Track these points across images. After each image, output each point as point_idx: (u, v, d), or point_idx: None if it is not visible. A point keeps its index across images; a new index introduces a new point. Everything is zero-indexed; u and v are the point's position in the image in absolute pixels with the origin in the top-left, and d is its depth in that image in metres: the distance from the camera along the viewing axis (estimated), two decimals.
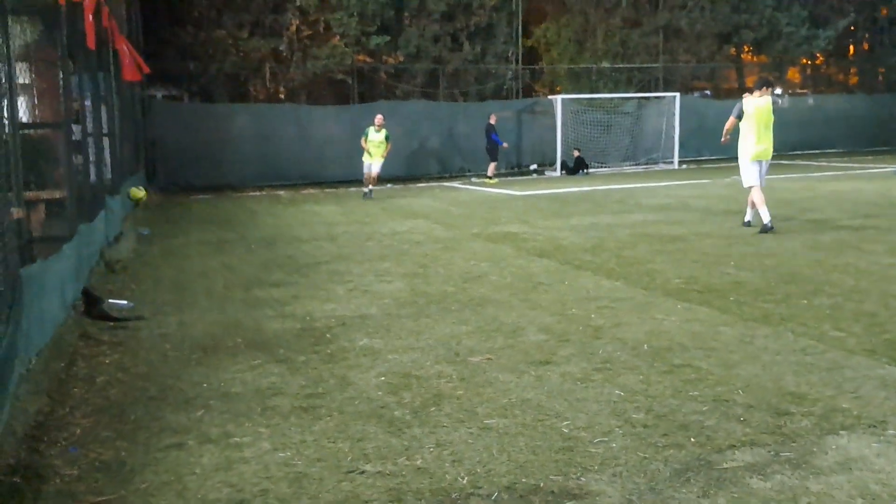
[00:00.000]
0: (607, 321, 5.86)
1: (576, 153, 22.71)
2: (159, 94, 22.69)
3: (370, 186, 17.04)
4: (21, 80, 5.96)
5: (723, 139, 11.04)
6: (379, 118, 16.79)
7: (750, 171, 10.39)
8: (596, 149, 23.90)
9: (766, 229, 9.90)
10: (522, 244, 9.74)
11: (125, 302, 6.67)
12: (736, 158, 10.84)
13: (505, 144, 20.81)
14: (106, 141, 10.38)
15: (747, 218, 10.74)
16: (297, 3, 21.69)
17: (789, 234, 9.77)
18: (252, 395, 4.41)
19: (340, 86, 23.30)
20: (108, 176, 10.29)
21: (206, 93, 22.49)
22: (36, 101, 7.28)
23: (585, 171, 22.42)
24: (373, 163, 16.78)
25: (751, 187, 10.40)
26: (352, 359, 5.10)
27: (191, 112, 21.18)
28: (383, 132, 16.72)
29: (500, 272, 7.96)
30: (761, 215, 10.09)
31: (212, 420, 4.04)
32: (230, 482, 3.32)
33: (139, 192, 12.02)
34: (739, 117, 10.41)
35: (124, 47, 12.00)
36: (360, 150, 17.24)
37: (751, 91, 10.72)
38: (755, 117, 10.19)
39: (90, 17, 7.52)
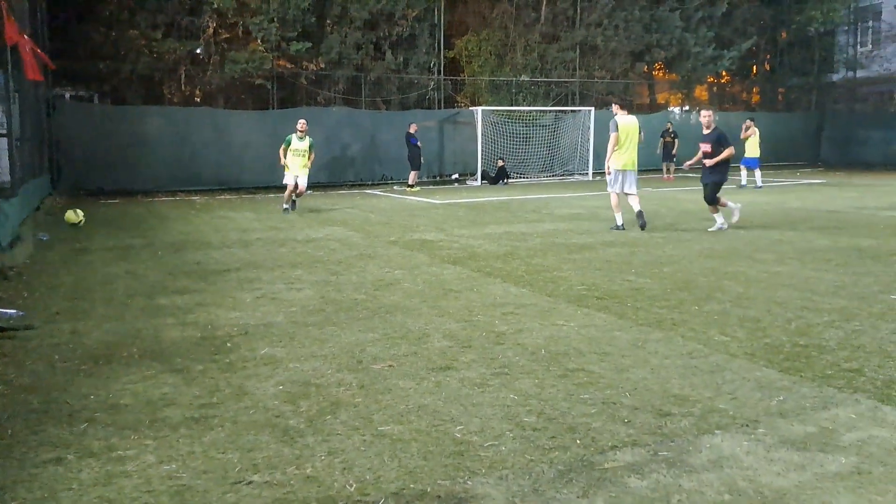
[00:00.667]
0: (510, 327, 5.95)
1: (500, 163, 23.04)
2: (67, 95, 21.91)
3: (292, 199, 15.32)
4: None
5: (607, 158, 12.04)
6: (302, 123, 15.01)
7: (613, 178, 11.83)
8: (515, 160, 24.28)
9: (617, 228, 11.65)
10: (437, 252, 9.79)
11: (14, 311, 6.37)
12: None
13: (418, 143, 20.75)
14: (3, 142, 9.97)
15: (619, 223, 11.85)
16: (215, 6, 21.32)
17: (688, 243, 10.14)
18: (142, 407, 4.29)
19: (260, 91, 22.99)
20: (5, 178, 9.88)
21: (118, 94, 21.84)
22: None
23: (505, 181, 22.74)
24: (298, 175, 14.93)
25: (611, 192, 11.94)
26: (251, 368, 5.02)
27: (101, 113, 20.53)
28: (308, 140, 14.97)
29: (413, 279, 7.99)
30: (615, 218, 11.80)
31: (95, 433, 3.91)
32: (108, 497, 3.22)
33: (75, 216, 10.81)
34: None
35: (25, 44, 11.54)
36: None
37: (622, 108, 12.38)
38: (621, 133, 11.75)
39: None
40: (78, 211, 10.27)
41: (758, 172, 20.14)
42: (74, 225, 9.97)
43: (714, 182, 11.55)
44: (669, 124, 24.19)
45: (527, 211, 14.84)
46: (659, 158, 23.81)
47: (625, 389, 4.46)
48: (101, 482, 3.36)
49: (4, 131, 10.04)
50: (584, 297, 7.00)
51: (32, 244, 10.29)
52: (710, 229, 11.47)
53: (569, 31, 27.18)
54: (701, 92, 32.29)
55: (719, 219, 11.56)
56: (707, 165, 11.51)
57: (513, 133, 24.42)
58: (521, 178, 24.01)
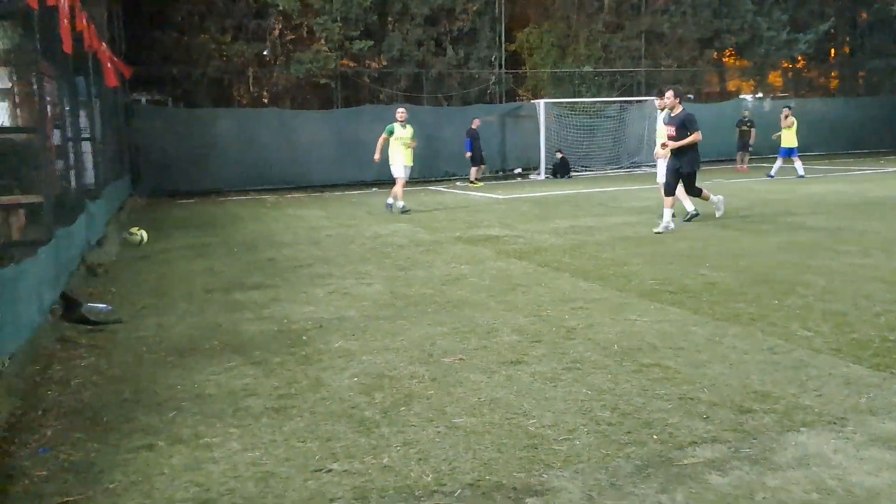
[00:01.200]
0: (581, 322, 5.93)
1: (559, 155, 22.86)
2: (143, 99, 22.66)
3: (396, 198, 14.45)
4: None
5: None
6: (402, 112, 14.21)
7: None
8: (579, 152, 24.03)
9: (695, 215, 11.53)
10: (503, 247, 9.80)
11: (104, 305, 6.68)
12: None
13: (468, 154, 20.88)
14: (87, 145, 10.39)
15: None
16: (280, 8, 21.72)
17: (766, 236, 9.89)
18: (225, 397, 4.45)
19: (324, 90, 23.35)
20: (90, 180, 10.29)
21: (190, 97, 22.48)
22: (16, 106, 7.31)
23: (567, 175, 22.56)
24: (408, 166, 14.32)
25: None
26: (326, 360, 5.14)
27: (174, 116, 21.17)
28: (409, 127, 14.18)
29: (480, 274, 8.02)
30: (686, 206, 11.66)
31: (183, 421, 4.07)
32: (197, 482, 3.36)
33: (136, 236, 9.84)
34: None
35: (104, 52, 11.99)
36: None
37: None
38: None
39: (65, 21, 7.53)
40: (140, 229, 10.03)
41: (798, 161, 19.52)
42: (139, 243, 9.75)
43: (687, 173, 10.90)
44: (746, 112, 23.38)
45: (593, 204, 14.71)
46: (733, 148, 23.19)
47: (702, 385, 4.40)
48: (190, 467, 3.51)
49: (88, 135, 10.47)
50: (657, 291, 6.91)
51: (118, 243, 10.71)
52: (655, 230, 10.49)
53: (634, 18, 26.74)
54: (775, 78, 31.36)
55: (667, 216, 10.65)
56: (666, 148, 10.85)
57: (576, 125, 24.19)
58: (585, 171, 23.76)
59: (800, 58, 30.56)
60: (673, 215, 10.79)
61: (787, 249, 8.85)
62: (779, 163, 19.77)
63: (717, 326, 5.67)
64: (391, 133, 14.01)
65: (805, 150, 27.57)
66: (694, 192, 11.22)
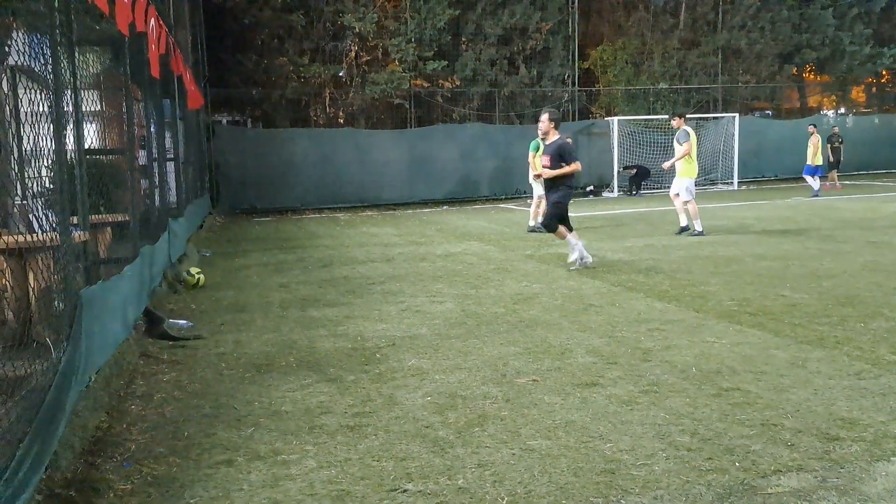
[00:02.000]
0: (657, 344, 5.82)
1: (629, 171, 22.59)
2: (224, 120, 23.40)
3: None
4: (89, 108, 6.26)
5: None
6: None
7: (691, 186, 12.42)
8: (653, 170, 23.66)
9: (699, 234, 12.18)
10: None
11: (185, 322, 6.89)
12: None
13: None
14: (170, 165, 10.77)
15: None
16: (357, 30, 22.16)
17: (849, 256, 9.53)
18: (301, 414, 4.52)
19: (398, 110, 23.66)
20: (173, 199, 10.66)
21: (269, 118, 23.10)
22: (104, 128, 7.64)
23: (635, 191, 22.27)
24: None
25: (691, 201, 12.39)
26: (400, 379, 5.18)
27: (253, 137, 21.78)
28: None
29: (552, 293, 7.96)
30: (695, 225, 12.30)
31: (261, 438, 4.15)
32: (275, 499, 3.42)
33: (193, 278, 8.93)
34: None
35: (188, 76, 12.45)
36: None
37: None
38: (693, 143, 12.42)
39: (153, 46, 7.85)
40: (198, 271, 9.24)
41: (816, 180, 19.20)
42: (195, 286, 8.89)
43: (554, 202, 9.51)
44: (836, 129, 22.41)
45: (668, 223, 14.43)
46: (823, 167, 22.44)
47: (786, 411, 4.25)
48: (268, 484, 3.57)
49: (172, 156, 10.86)
50: (735, 312, 6.73)
51: (198, 260, 11.05)
52: (571, 268, 9.44)
53: (710, 35, 26.27)
54: (858, 93, 30.33)
55: (575, 248, 9.54)
56: (540, 178, 9.77)
57: (650, 142, 23.84)
58: (660, 189, 23.37)
59: (884, 72, 29.48)
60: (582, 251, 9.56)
61: (873, 270, 8.50)
62: (815, 181, 19.36)
63: (800, 350, 5.48)
64: (537, 149, 13.17)
65: (889, 167, 26.59)
66: (552, 227, 9.51)
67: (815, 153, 19.14)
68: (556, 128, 9.92)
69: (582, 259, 9.48)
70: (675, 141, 12.60)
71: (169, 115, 10.86)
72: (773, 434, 3.93)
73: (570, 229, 9.63)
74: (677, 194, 12.47)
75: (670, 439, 3.92)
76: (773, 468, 3.53)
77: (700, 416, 4.24)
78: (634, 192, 22.26)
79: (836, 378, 4.81)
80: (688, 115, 24.87)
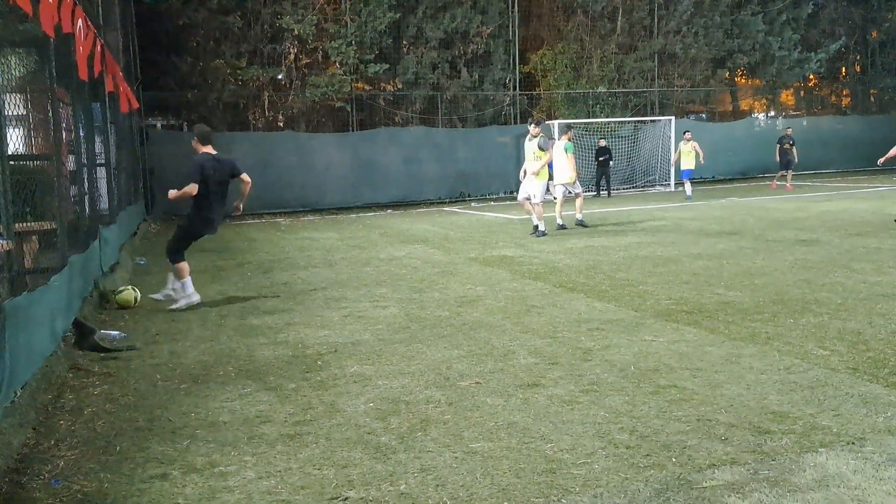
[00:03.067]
0: (597, 343, 5.89)
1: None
2: (158, 124, 22.87)
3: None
4: (13, 112, 6.04)
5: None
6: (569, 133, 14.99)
7: (545, 189, 13.45)
8: (593, 172, 24.01)
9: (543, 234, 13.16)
10: (518, 268, 9.77)
11: (117, 332, 6.69)
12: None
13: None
14: (101, 171, 10.47)
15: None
16: (296, 33, 21.93)
17: (780, 254, 9.82)
18: (240, 424, 4.43)
19: (339, 113, 23.50)
20: (104, 206, 10.36)
21: (206, 121, 22.61)
22: (30, 132, 7.37)
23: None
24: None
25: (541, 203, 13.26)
26: (342, 385, 5.12)
27: (190, 140, 21.34)
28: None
29: (495, 296, 7.99)
30: (538, 224, 13.26)
31: (198, 450, 4.05)
32: None
33: (128, 296, 8.21)
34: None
35: (120, 79, 12.13)
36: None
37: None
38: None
39: (80, 48, 7.62)
40: (131, 289, 8.41)
41: (688, 184, 20.07)
42: (127, 304, 8.17)
43: (179, 225, 8.68)
44: (788, 130, 22.52)
45: (607, 224, 14.67)
46: (746, 167, 22.93)
47: (720, 406, 4.34)
48: (205, 497, 3.48)
49: (103, 161, 10.56)
50: (673, 311, 6.86)
51: (131, 269, 10.77)
52: (172, 306, 8.04)
53: (646, 40, 26.82)
54: (787, 97, 31.34)
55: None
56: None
57: (590, 146, 24.19)
58: (602, 190, 23.73)
59: (812, 76, 30.55)
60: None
61: (802, 268, 8.77)
62: (688, 185, 20.15)
63: (734, 346, 5.61)
64: (571, 150, 14.45)
65: (818, 167, 27.54)
66: (175, 257, 8.20)
67: (688, 157, 19.88)
68: (199, 143, 8.72)
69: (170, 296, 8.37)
70: (535, 146, 13.06)
71: (99, 119, 10.56)
72: (708, 429, 4.01)
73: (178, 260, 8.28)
74: (528, 198, 13.26)
75: (610, 437, 3.96)
76: (707, 462, 3.60)
77: (638, 413, 4.30)
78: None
79: (767, 373, 4.93)
80: (626, 120, 25.49)
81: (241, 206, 8.63)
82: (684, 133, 20.42)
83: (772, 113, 30.45)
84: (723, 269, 8.96)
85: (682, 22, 26.64)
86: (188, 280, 8.15)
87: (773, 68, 28.09)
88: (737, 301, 7.16)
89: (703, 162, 20.23)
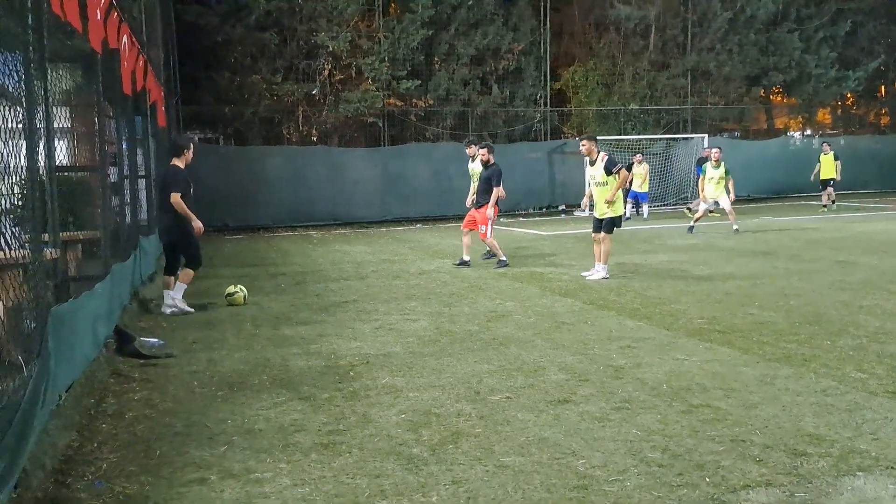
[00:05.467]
0: (628, 361, 5.88)
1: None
2: (196, 137, 23.24)
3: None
4: (61, 125, 6.21)
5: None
6: (716, 152, 15.78)
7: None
8: (624, 189, 23.93)
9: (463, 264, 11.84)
10: (548, 284, 9.78)
11: (156, 340, 6.83)
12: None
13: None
14: (142, 182, 10.69)
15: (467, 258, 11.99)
16: (330, 49, 22.20)
17: (816, 275, 9.72)
18: (274, 432, 4.50)
19: (371, 128, 23.70)
20: (143, 216, 10.57)
21: (241, 135, 23.00)
22: (75, 145, 7.58)
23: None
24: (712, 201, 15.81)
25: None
26: (373, 396, 5.18)
27: (226, 154, 21.67)
28: (722, 165, 15.64)
29: (525, 311, 8.01)
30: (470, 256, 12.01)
31: (234, 456, 4.13)
32: None
33: (238, 298, 8.79)
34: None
35: (160, 93, 12.40)
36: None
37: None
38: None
39: (125, 63, 7.82)
40: (239, 289, 8.96)
41: (645, 206, 20.64)
42: (235, 302, 8.76)
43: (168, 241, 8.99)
44: (827, 146, 22.07)
45: (638, 241, 14.61)
46: (781, 186, 22.21)
47: (755, 427, 4.33)
48: (241, 502, 3.55)
49: (143, 173, 10.78)
50: (706, 330, 6.83)
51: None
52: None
53: (679, 57, 26.73)
54: (824, 115, 30.95)
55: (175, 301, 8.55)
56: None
57: (621, 162, 24.10)
58: (630, 208, 23.63)
59: (849, 95, 30.15)
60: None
61: (840, 289, 8.67)
62: (644, 207, 20.63)
63: (769, 367, 5.57)
64: (704, 172, 15.79)
65: (855, 187, 27.12)
66: (170, 270, 8.83)
67: (642, 179, 20.21)
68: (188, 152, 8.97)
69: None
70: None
71: (140, 132, 10.80)
72: (743, 450, 4.00)
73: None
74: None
75: (642, 455, 3.97)
76: (742, 483, 3.59)
77: (671, 432, 4.30)
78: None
79: (803, 395, 4.90)
80: (657, 137, 25.38)
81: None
82: (636, 154, 20.77)
83: (808, 132, 30.11)
84: (757, 288, 8.90)
85: (716, 39, 26.50)
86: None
87: (810, 86, 27.78)
88: (771, 321, 7.10)
89: (642, 189, 20.55)
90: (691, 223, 16.13)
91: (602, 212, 10.34)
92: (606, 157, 10.27)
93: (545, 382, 5.39)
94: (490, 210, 11.62)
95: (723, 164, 15.63)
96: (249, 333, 7.36)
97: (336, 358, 6.28)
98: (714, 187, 15.65)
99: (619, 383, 5.29)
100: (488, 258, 12.41)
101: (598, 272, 10.21)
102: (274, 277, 11.28)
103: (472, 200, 12.42)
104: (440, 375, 5.66)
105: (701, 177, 15.99)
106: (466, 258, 11.96)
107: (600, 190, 10.30)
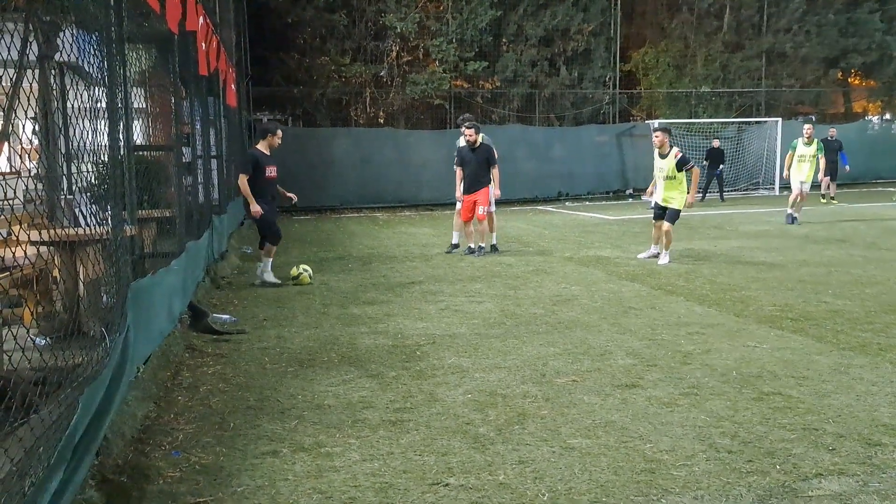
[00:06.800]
0: (697, 347, 5.80)
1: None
2: (265, 118, 23.68)
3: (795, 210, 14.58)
4: (137, 105, 6.41)
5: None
6: (808, 128, 14.50)
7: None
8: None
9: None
10: (614, 269, 9.69)
11: (228, 316, 7.03)
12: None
13: (847, 168, 19.85)
14: (214, 163, 10.97)
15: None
16: (398, 31, 22.30)
17: (893, 263, 9.37)
18: (344, 408, 4.60)
19: (438, 110, 23.75)
20: (216, 196, 10.85)
21: (310, 117, 23.34)
22: (151, 125, 7.82)
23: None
24: (803, 182, 14.33)
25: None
26: (440, 376, 5.24)
27: (294, 135, 21.99)
28: (814, 143, 14.36)
29: (591, 296, 7.96)
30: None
31: (305, 430, 4.24)
32: (320, 489, 3.50)
33: (304, 279, 9.05)
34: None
35: (231, 74, 12.65)
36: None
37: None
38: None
39: (202, 45, 8.00)
40: (301, 272, 9.17)
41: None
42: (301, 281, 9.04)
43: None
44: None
45: (708, 227, 14.31)
46: (864, 170, 21.14)
47: (827, 416, 4.23)
48: (313, 475, 3.65)
49: (215, 153, 11.05)
50: (777, 318, 6.68)
51: (238, 256, 11.24)
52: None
53: (754, 38, 25.94)
54: None
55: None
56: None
57: (691, 146, 23.58)
58: (699, 192, 23.15)
59: None
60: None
61: None
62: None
63: (843, 356, 5.43)
64: (794, 149, 14.48)
65: None
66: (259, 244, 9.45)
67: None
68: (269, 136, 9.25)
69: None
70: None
71: (213, 112, 11.06)
72: (815, 438, 3.92)
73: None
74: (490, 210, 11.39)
75: (710, 441, 3.93)
76: (814, 472, 3.52)
77: (740, 419, 4.24)
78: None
79: (878, 384, 4.76)
80: (729, 121, 24.71)
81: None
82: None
83: (887, 116, 28.92)
84: (831, 276, 8.64)
85: (793, 20, 25.62)
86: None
87: (891, 69, 26.67)
88: (846, 310, 6.90)
89: None
90: (793, 213, 14.41)
91: (667, 200, 10.23)
92: (680, 155, 10.14)
93: (612, 366, 5.36)
94: (498, 190, 11.24)
95: (815, 140, 14.47)
96: (318, 312, 7.51)
97: (403, 337, 6.36)
98: (807, 168, 14.16)
99: (688, 369, 5.23)
100: (451, 251, 11.67)
101: (662, 258, 10.12)
102: (341, 258, 11.45)
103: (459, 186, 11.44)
104: (506, 357, 5.68)
105: (790, 153, 14.54)
106: (482, 245, 11.31)
107: (667, 183, 10.20)
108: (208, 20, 8.77)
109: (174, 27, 6.41)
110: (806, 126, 14.66)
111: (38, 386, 3.16)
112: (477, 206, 11.01)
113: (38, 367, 3.30)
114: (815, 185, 15.20)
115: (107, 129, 4.41)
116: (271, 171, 9.00)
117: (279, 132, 9.29)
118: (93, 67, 4.45)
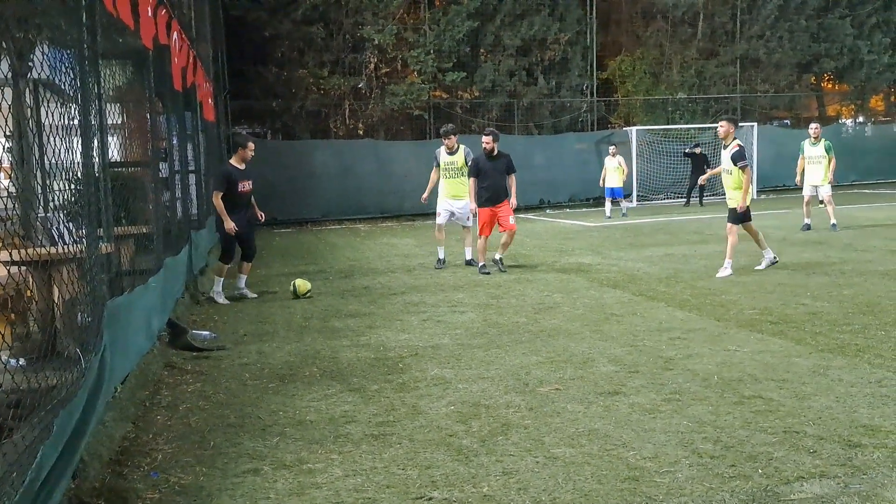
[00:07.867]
0: (678, 352, 5.82)
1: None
2: (244, 132, 23.59)
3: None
4: (112, 121, 6.35)
5: None
6: (815, 128, 13.76)
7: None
8: (673, 179, 23.61)
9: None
10: (596, 275, 9.72)
11: (208, 333, 6.97)
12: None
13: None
14: (192, 177, 10.90)
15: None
16: (376, 42, 22.31)
17: (870, 264, 9.48)
18: (326, 423, 4.57)
19: (417, 121, 23.77)
20: (194, 211, 10.77)
21: (289, 129, 23.27)
22: (126, 140, 7.76)
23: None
24: (819, 186, 13.61)
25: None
26: (423, 388, 5.21)
27: (274, 148, 21.91)
28: (822, 142, 13.53)
29: (573, 303, 7.98)
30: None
31: (287, 447, 4.20)
32: None
33: (305, 286, 9.04)
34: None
35: (208, 88, 12.60)
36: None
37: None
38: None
39: (176, 59, 7.96)
40: (299, 286, 9.10)
41: (624, 202, 19.01)
42: (303, 294, 8.98)
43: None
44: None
45: (688, 232, 14.40)
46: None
47: (808, 418, 4.26)
48: (294, 492, 3.61)
49: (193, 168, 10.98)
50: (757, 321, 6.72)
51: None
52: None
53: (728, 45, 26.22)
54: (877, 102, 30.10)
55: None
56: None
57: (669, 152, 23.77)
58: (679, 197, 23.31)
59: None
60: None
61: (893, 278, 8.46)
62: (608, 204, 18.65)
63: (822, 358, 5.47)
64: (802, 151, 13.82)
65: None
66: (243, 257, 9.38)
67: (613, 174, 18.07)
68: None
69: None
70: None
71: (190, 127, 11.00)
72: (796, 441, 3.94)
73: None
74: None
75: (693, 447, 3.93)
76: (795, 475, 3.54)
77: (722, 423, 4.25)
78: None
79: (857, 386, 4.80)
80: (706, 126, 24.92)
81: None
82: (609, 146, 18.70)
83: (860, 119, 29.30)
84: (810, 279, 8.71)
85: (766, 26, 25.93)
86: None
87: (862, 73, 27.06)
88: (824, 312, 6.96)
89: (625, 179, 18.51)
90: (806, 220, 13.68)
91: (729, 197, 9.80)
92: (737, 148, 9.39)
93: (594, 374, 5.36)
94: (514, 199, 10.75)
95: (823, 140, 13.43)
96: (299, 326, 7.47)
97: (385, 350, 6.34)
98: (817, 170, 13.37)
99: (670, 375, 5.24)
100: (439, 267, 11.30)
101: (724, 269, 9.27)
102: (323, 270, 11.41)
103: (474, 198, 10.84)
104: (489, 367, 5.67)
105: (801, 157, 13.71)
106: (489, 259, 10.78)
107: (726, 178, 9.67)
108: (184, 35, 8.73)
109: (148, 43, 6.37)
110: (812, 125, 13.94)
111: (11, 409, 3.11)
112: (506, 217, 10.52)
113: (13, 390, 3.24)
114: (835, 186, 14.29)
115: (80, 146, 4.36)
116: (244, 186, 8.97)
117: (250, 144, 9.23)
118: (66, 84, 4.41)
